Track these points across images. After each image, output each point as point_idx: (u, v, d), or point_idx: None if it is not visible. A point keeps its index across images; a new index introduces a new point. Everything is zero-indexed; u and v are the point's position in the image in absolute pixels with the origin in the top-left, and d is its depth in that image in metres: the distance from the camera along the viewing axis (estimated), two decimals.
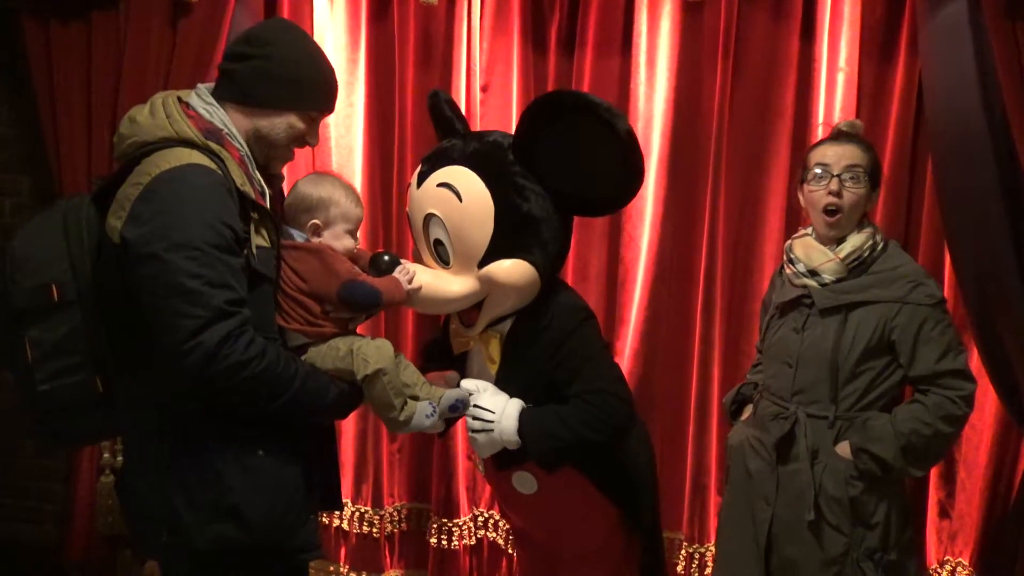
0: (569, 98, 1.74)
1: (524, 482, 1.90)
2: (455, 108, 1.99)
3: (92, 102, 2.63)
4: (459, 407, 1.78)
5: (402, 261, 1.79)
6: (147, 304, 1.44)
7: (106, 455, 2.71)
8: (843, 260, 1.98)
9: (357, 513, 2.91)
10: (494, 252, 1.75)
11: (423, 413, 1.72)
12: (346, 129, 2.82)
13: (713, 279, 2.72)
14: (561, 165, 1.75)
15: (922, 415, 1.90)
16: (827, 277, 2.00)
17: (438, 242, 1.79)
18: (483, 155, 1.78)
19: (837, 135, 2.06)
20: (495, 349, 1.84)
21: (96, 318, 1.53)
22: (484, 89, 2.76)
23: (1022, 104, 2.17)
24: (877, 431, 1.92)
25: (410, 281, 1.74)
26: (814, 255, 2.02)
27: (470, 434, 1.83)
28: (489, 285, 1.75)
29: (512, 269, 1.74)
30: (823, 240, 2.03)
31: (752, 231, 2.73)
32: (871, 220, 2.08)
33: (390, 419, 1.71)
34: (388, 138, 2.81)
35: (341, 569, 2.94)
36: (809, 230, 2.09)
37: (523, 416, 1.79)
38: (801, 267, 2.04)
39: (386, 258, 1.76)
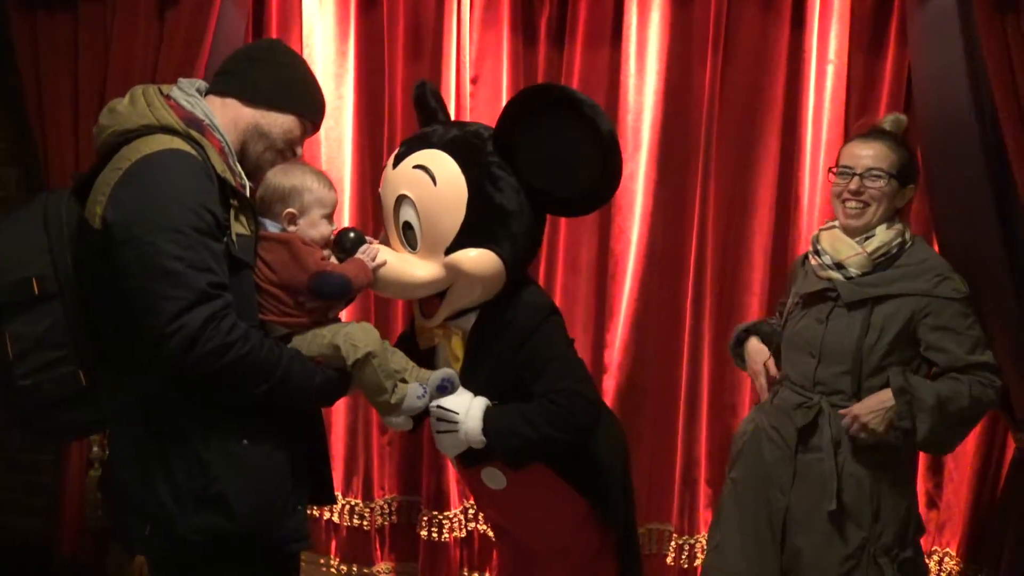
0: (554, 92, 1.72)
1: (493, 478, 1.90)
2: (440, 100, 1.99)
3: (79, 93, 2.61)
4: (447, 386, 1.77)
5: (367, 239, 1.77)
6: (130, 288, 1.44)
7: (95, 449, 2.71)
8: (870, 255, 1.99)
9: (347, 506, 2.92)
10: (462, 240, 1.73)
11: (414, 395, 1.72)
12: (335, 121, 2.81)
13: (703, 271, 2.73)
14: (540, 160, 1.73)
15: (960, 388, 1.91)
16: (853, 270, 2.00)
17: (407, 225, 1.77)
18: (462, 142, 1.77)
19: (869, 132, 2.07)
20: (458, 346, 1.82)
21: (78, 311, 1.53)
22: (474, 81, 2.75)
23: (1011, 96, 2.17)
24: (917, 382, 1.91)
25: (374, 259, 1.73)
26: (841, 248, 2.02)
27: (435, 435, 1.81)
28: (454, 273, 1.74)
29: (478, 259, 1.73)
30: (848, 232, 2.04)
31: (742, 223, 2.74)
32: (903, 216, 2.07)
33: (381, 402, 1.71)
34: (377, 130, 2.80)
35: (332, 562, 2.95)
36: (836, 222, 2.10)
37: (487, 415, 1.77)
38: (827, 259, 2.04)
39: (351, 235, 1.75)
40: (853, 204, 1.99)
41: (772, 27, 2.65)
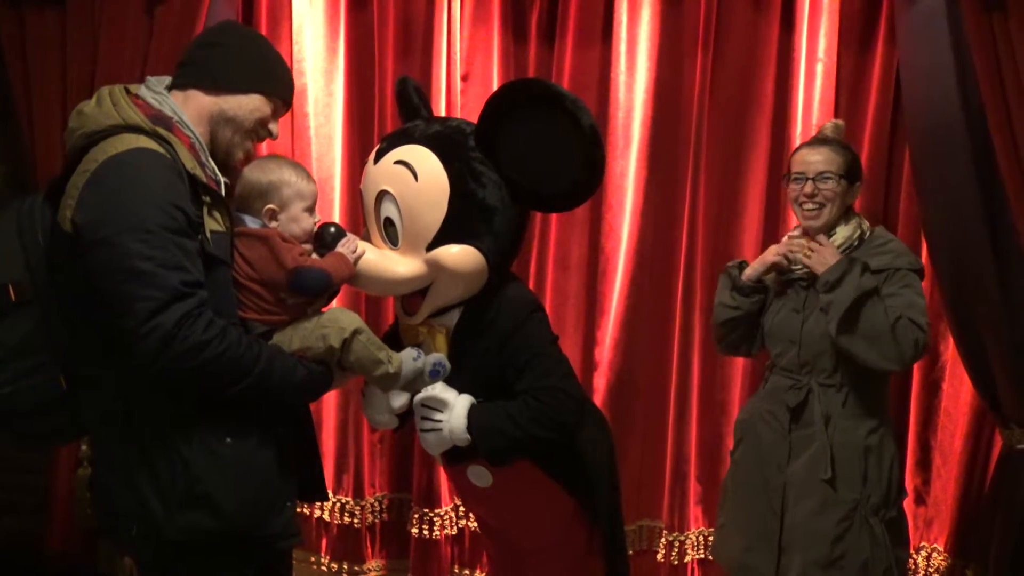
0: (535, 87, 1.71)
1: (479, 476, 1.89)
2: (423, 96, 1.98)
3: (68, 90, 2.59)
4: (440, 371, 1.77)
5: (347, 233, 1.75)
6: (103, 290, 1.42)
7: (84, 447, 2.69)
8: (837, 248, 2.11)
9: (338, 504, 2.91)
10: (444, 236, 1.72)
11: (410, 358, 1.73)
12: (325, 118, 2.80)
13: (693, 269, 2.74)
14: (522, 155, 1.73)
15: (889, 315, 2.00)
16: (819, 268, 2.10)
17: (388, 221, 1.76)
18: (444, 137, 1.76)
19: (814, 140, 2.19)
20: (442, 344, 1.81)
21: (55, 316, 1.51)
22: (464, 78, 2.75)
23: (998, 95, 2.19)
24: (868, 281, 2.00)
25: (354, 251, 1.71)
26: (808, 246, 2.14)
27: (420, 433, 1.81)
28: (435, 269, 1.72)
29: (460, 255, 1.71)
30: (810, 233, 2.16)
31: (732, 221, 2.75)
32: (856, 211, 2.19)
33: (381, 376, 1.70)
34: (368, 127, 2.79)
35: (322, 560, 2.94)
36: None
37: (472, 414, 1.76)
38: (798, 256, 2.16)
39: (332, 230, 1.73)
40: (810, 206, 2.12)
41: (762, 26, 2.67)
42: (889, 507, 2.09)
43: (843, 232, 2.13)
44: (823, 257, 2.07)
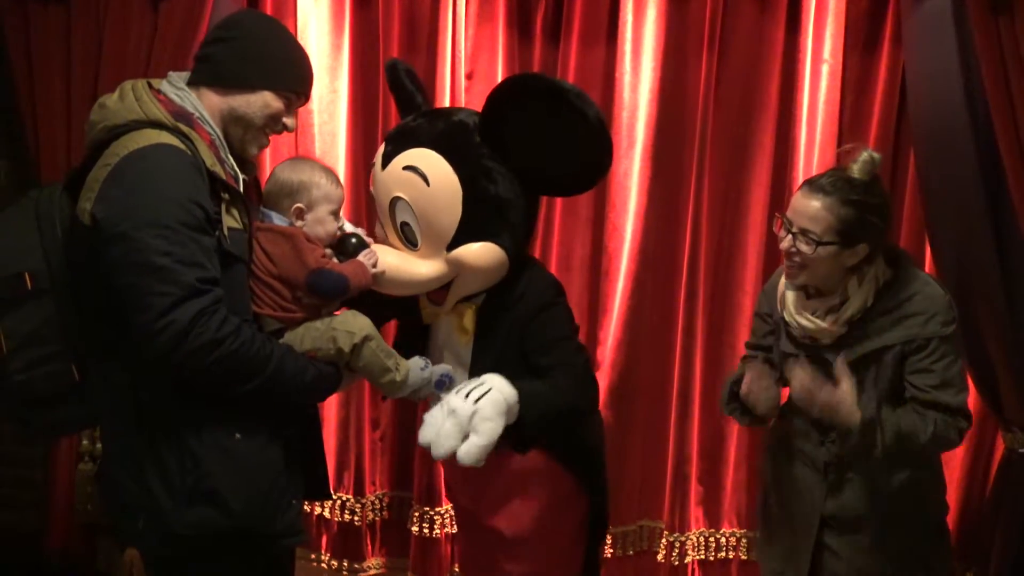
0: (538, 83, 1.73)
1: None
2: (416, 80, 1.98)
3: (72, 85, 2.58)
4: (446, 381, 1.80)
5: (369, 243, 1.78)
6: (119, 285, 1.43)
7: (85, 442, 2.69)
8: (845, 322, 1.85)
9: (339, 501, 2.91)
10: (463, 235, 1.75)
11: (417, 367, 1.76)
12: (329, 115, 2.80)
13: (696, 270, 2.74)
14: (530, 146, 1.75)
15: (921, 424, 1.82)
16: (826, 341, 1.88)
17: (405, 224, 1.79)
18: (449, 137, 1.77)
19: (818, 182, 1.81)
20: (469, 320, 1.85)
21: (71, 306, 1.53)
22: (469, 76, 2.74)
23: (1004, 97, 2.19)
24: (885, 418, 1.81)
25: (374, 265, 1.74)
26: (806, 324, 1.87)
27: (431, 420, 1.80)
28: (458, 268, 1.76)
29: (481, 252, 1.75)
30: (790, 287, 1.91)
31: (736, 222, 2.75)
32: (871, 261, 1.83)
33: (388, 382, 1.73)
34: (372, 125, 2.79)
35: (322, 557, 2.94)
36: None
37: (513, 382, 1.76)
38: (797, 331, 1.92)
39: (353, 240, 1.76)
40: (788, 263, 1.85)
41: (767, 26, 2.66)
42: (943, 530, 2.03)
43: (855, 303, 1.82)
44: (839, 409, 1.79)
